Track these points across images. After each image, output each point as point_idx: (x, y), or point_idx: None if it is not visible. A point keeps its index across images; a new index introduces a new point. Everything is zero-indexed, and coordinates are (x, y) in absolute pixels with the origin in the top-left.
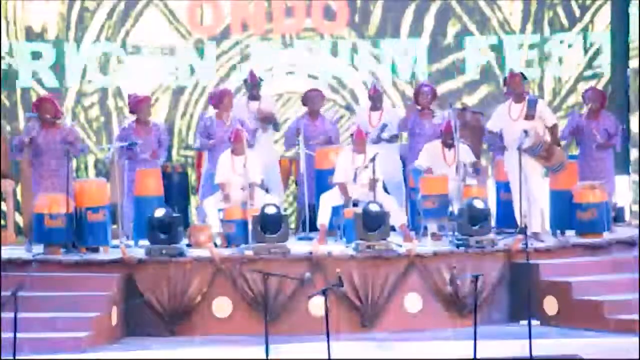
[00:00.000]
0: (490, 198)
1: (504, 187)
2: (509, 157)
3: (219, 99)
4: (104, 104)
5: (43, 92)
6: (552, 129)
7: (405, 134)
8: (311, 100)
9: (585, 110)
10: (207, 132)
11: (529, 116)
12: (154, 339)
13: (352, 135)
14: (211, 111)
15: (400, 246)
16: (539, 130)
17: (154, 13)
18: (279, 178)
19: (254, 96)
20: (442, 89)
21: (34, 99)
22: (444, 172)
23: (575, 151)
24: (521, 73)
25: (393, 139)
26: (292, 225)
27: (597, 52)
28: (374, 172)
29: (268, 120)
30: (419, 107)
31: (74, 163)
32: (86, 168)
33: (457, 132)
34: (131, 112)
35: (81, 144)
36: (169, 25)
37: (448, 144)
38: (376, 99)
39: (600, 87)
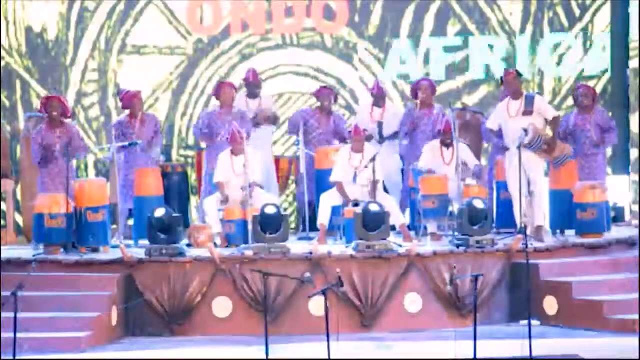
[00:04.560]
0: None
1: (504, 187)
2: (510, 155)
3: (218, 92)
4: (104, 104)
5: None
6: (553, 122)
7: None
8: (322, 97)
9: (576, 108)
10: (209, 126)
11: (527, 112)
12: (154, 339)
13: (349, 132)
14: (212, 106)
15: (400, 246)
16: (538, 126)
17: (154, 13)
18: (275, 179)
19: (253, 95)
20: (442, 89)
21: (33, 98)
22: (442, 171)
23: None
24: (516, 71)
25: (394, 136)
26: (292, 226)
27: (597, 52)
28: (374, 172)
29: (268, 120)
30: (418, 103)
31: (74, 163)
32: (86, 168)
33: (456, 131)
34: (124, 107)
35: (83, 145)
36: (169, 25)
37: (447, 144)
38: (379, 98)
39: (600, 87)
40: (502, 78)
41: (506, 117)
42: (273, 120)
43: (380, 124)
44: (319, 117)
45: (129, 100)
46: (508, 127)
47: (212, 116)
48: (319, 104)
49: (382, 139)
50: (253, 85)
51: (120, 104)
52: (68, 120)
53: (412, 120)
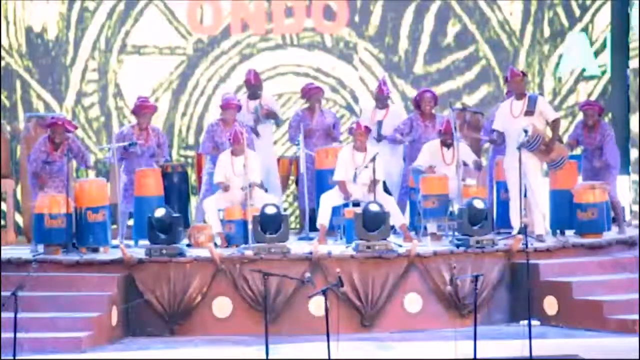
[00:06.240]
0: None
1: (504, 187)
2: (510, 155)
3: (226, 106)
4: (104, 104)
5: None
6: (554, 124)
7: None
8: (309, 95)
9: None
10: (214, 138)
11: (529, 112)
12: (154, 339)
13: (350, 128)
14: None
15: (400, 246)
16: (538, 127)
17: (154, 13)
18: (278, 179)
19: (254, 96)
20: (442, 89)
21: (34, 98)
22: (443, 171)
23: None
24: (522, 72)
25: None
26: (292, 226)
27: (597, 53)
28: (374, 172)
29: (270, 117)
30: (421, 113)
31: (73, 163)
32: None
33: (457, 131)
34: (133, 112)
35: (85, 153)
36: (169, 25)
37: (447, 144)
38: (383, 100)
39: (600, 87)
40: (506, 78)
41: (509, 117)
42: (273, 116)
43: (379, 123)
44: (311, 115)
45: (142, 109)
46: (510, 127)
47: (216, 127)
48: (307, 104)
49: (380, 138)
50: (254, 87)
51: (122, 105)
52: (70, 135)
53: (411, 127)
